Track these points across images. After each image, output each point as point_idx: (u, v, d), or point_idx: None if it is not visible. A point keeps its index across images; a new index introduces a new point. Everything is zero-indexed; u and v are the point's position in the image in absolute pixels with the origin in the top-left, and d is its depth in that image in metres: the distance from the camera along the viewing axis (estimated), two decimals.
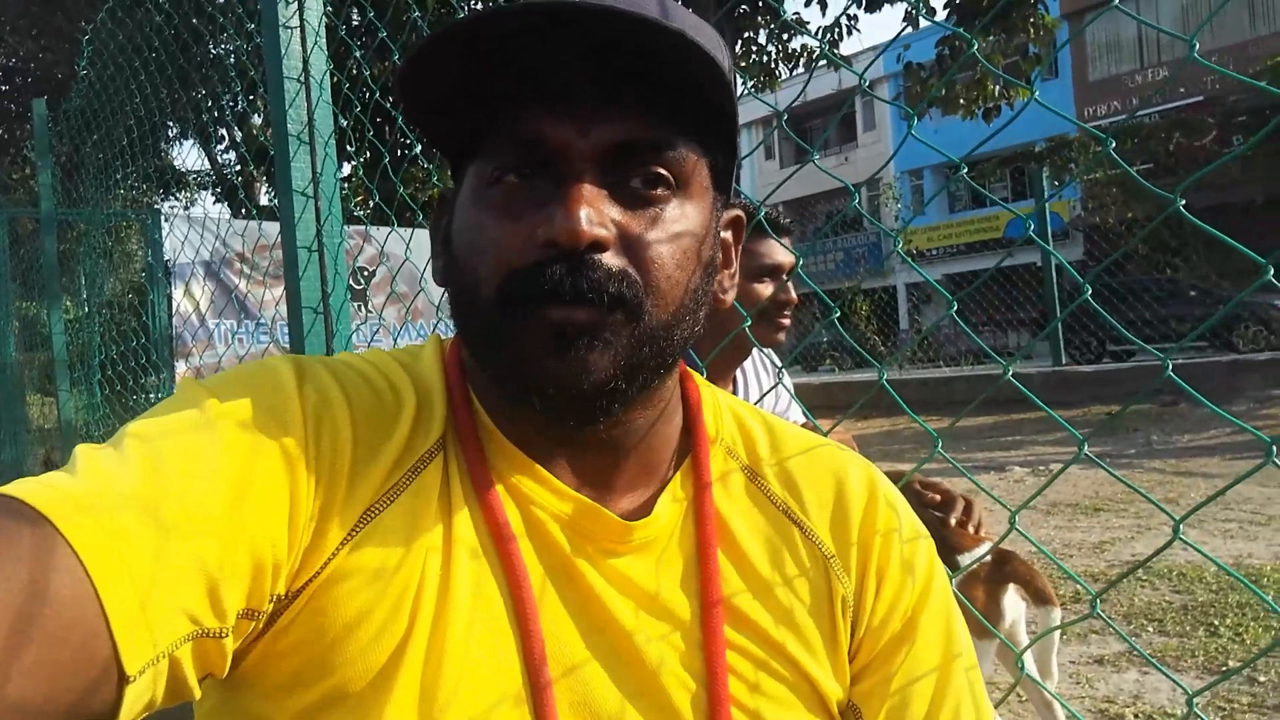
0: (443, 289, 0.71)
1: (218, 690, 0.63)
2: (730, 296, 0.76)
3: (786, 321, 1.84)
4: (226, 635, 0.56)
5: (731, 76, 0.66)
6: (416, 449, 0.67)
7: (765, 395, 1.94)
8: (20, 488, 0.52)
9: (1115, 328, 0.97)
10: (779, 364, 1.88)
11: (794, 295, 1.85)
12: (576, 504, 0.68)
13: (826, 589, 0.74)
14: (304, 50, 2.03)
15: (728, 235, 0.76)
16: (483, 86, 0.65)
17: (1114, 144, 1.04)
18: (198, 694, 0.57)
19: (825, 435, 1.42)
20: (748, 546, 0.73)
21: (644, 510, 0.71)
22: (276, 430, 0.62)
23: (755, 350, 1.98)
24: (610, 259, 0.62)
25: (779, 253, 1.81)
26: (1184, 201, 0.96)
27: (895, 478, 1.81)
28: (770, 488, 0.77)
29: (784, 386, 1.89)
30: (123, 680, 0.50)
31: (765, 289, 1.79)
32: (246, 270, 4.85)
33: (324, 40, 2.05)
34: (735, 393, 1.95)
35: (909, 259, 1.20)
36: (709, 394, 0.80)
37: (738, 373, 1.96)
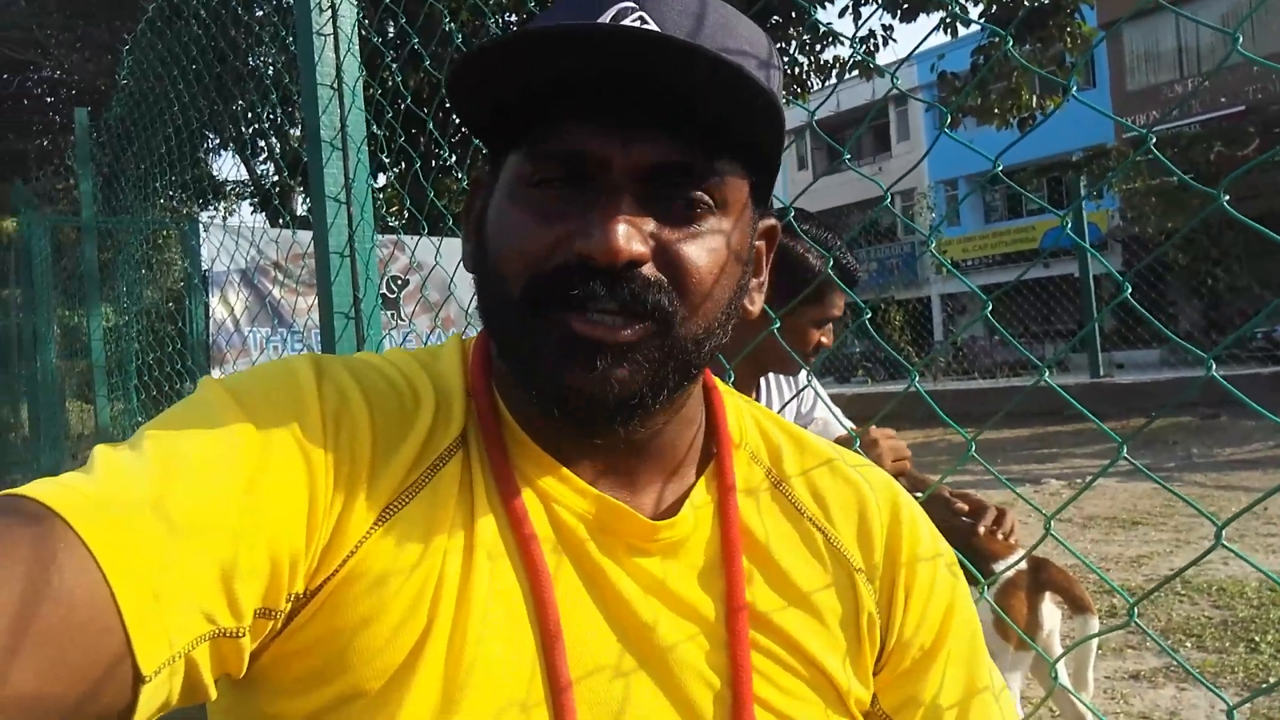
0: (471, 294, 0.71)
1: (232, 689, 0.63)
2: (757, 307, 0.76)
3: (813, 359, 1.87)
4: (243, 635, 0.56)
5: (777, 95, 0.66)
6: (435, 447, 0.67)
7: (789, 403, 1.93)
8: (36, 488, 0.52)
9: (1160, 329, 0.95)
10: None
11: (830, 341, 1.89)
12: (601, 503, 0.68)
13: (853, 598, 0.73)
14: (337, 57, 2.05)
15: (760, 245, 0.76)
16: (532, 92, 0.64)
17: (1154, 140, 1.02)
18: (214, 695, 0.57)
19: (856, 439, 1.41)
20: (773, 549, 0.72)
21: (669, 511, 0.71)
22: (295, 429, 0.62)
23: None
24: (648, 272, 0.62)
25: (841, 304, 1.86)
26: (1227, 197, 0.94)
27: (921, 486, 1.79)
28: (795, 494, 0.76)
29: (813, 388, 1.88)
30: (139, 680, 0.50)
31: (817, 335, 1.83)
32: (281, 278, 4.90)
33: (357, 47, 2.07)
34: (758, 399, 1.94)
35: (943, 259, 1.18)
36: (732, 400, 0.80)
37: (761, 380, 1.95)
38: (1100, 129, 20.29)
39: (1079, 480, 7.37)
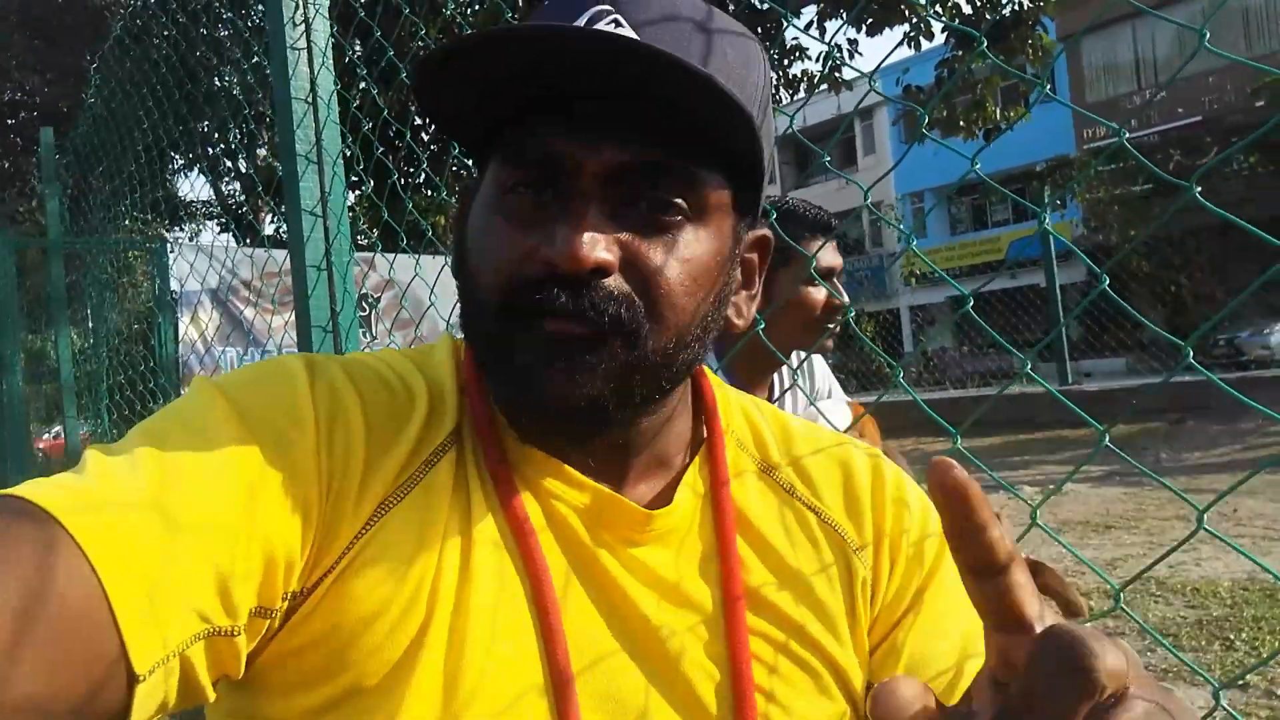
0: (450, 307, 0.71)
1: (231, 691, 0.62)
2: (746, 320, 0.76)
3: (836, 327, 1.76)
4: (239, 634, 0.56)
5: (763, 106, 0.65)
6: (429, 443, 0.67)
7: (786, 392, 1.90)
8: (29, 488, 0.52)
9: (1138, 318, 0.96)
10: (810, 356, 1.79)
11: (845, 298, 1.74)
12: (595, 494, 0.68)
13: (847, 573, 0.74)
14: (311, 71, 2.05)
15: (752, 256, 0.75)
16: (503, 94, 0.64)
17: (1126, 135, 1.04)
18: (211, 696, 0.56)
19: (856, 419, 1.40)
20: (767, 533, 0.73)
21: (662, 501, 0.71)
22: (288, 427, 0.62)
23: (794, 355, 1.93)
24: (613, 283, 0.61)
25: (829, 255, 1.71)
26: (1199, 189, 0.96)
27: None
28: (784, 478, 0.77)
29: (813, 366, 1.81)
30: (132, 680, 0.49)
31: (819, 294, 1.70)
32: (253, 298, 4.86)
33: (330, 61, 2.07)
34: (771, 397, 1.90)
35: (930, 262, 1.19)
36: (720, 389, 0.80)
37: (774, 377, 1.92)
38: (1062, 141, 20.56)
39: (1051, 486, 7.43)
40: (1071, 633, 0.36)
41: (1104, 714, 0.36)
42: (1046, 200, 12.66)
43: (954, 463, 0.39)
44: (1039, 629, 0.39)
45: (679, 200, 0.63)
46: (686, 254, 0.64)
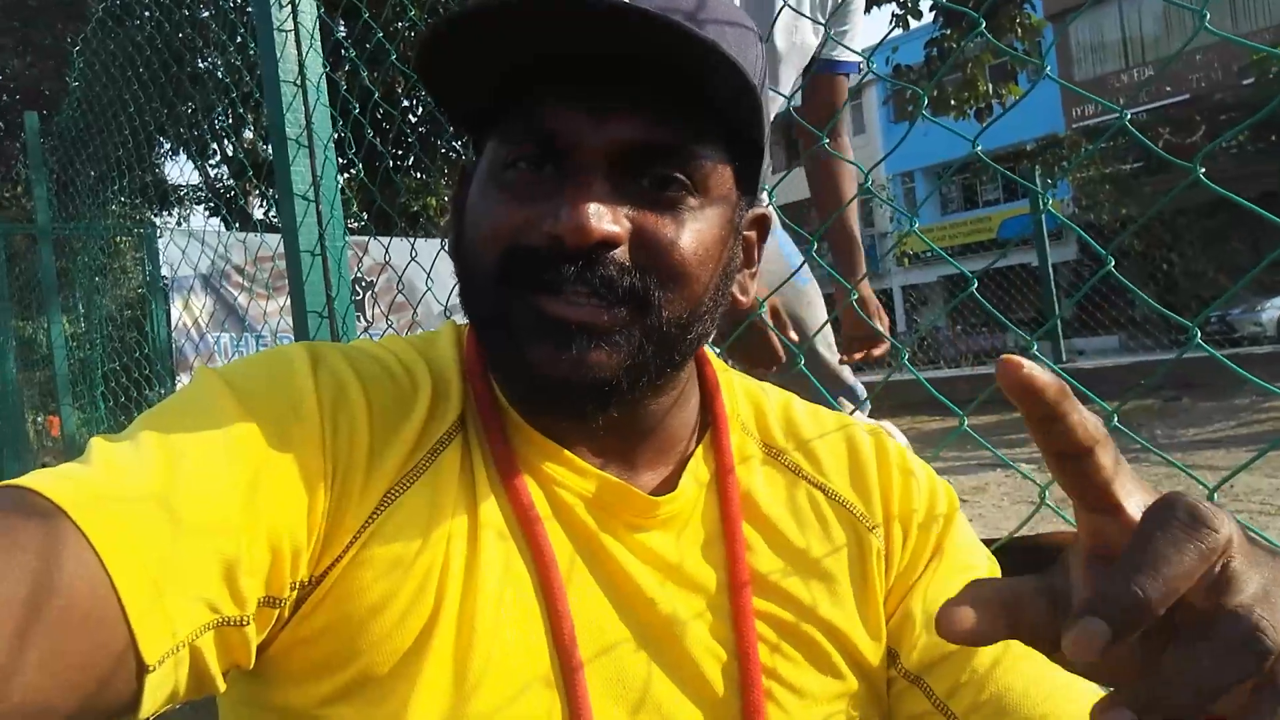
0: (447, 292, 0.70)
1: (241, 681, 0.62)
2: (749, 298, 0.76)
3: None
4: (248, 624, 0.55)
5: (761, 80, 0.65)
6: (434, 432, 0.66)
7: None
8: (34, 479, 0.52)
9: (1143, 299, 0.96)
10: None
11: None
12: (600, 481, 0.68)
13: (859, 548, 0.74)
14: (299, 53, 2.02)
15: (751, 234, 0.76)
16: (506, 69, 0.64)
17: (1129, 116, 1.03)
18: (222, 686, 0.56)
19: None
20: (773, 515, 0.73)
21: (667, 486, 0.71)
22: (292, 417, 0.61)
23: None
24: (621, 255, 0.61)
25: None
26: (1203, 169, 0.96)
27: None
28: (790, 458, 0.77)
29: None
30: (142, 670, 0.49)
31: None
32: (245, 283, 4.83)
33: (319, 43, 2.04)
34: None
35: (931, 244, 1.18)
36: (724, 374, 0.81)
37: None
38: (1051, 119, 20.56)
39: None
40: (1190, 499, 0.39)
41: (1219, 591, 0.38)
42: (1038, 184, 12.62)
43: (1021, 360, 0.41)
44: (1129, 507, 0.43)
45: (682, 175, 0.63)
46: (692, 228, 0.64)
